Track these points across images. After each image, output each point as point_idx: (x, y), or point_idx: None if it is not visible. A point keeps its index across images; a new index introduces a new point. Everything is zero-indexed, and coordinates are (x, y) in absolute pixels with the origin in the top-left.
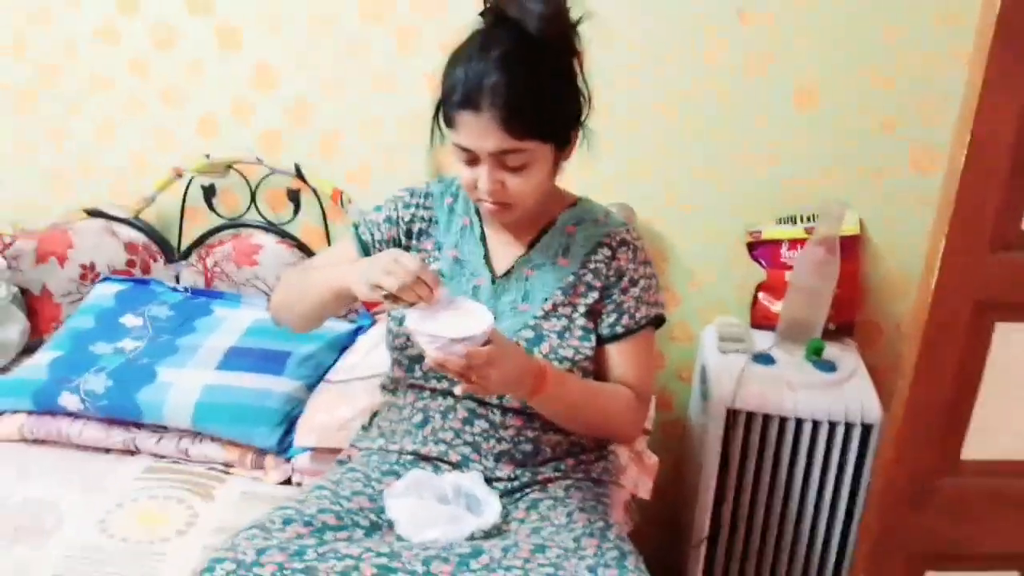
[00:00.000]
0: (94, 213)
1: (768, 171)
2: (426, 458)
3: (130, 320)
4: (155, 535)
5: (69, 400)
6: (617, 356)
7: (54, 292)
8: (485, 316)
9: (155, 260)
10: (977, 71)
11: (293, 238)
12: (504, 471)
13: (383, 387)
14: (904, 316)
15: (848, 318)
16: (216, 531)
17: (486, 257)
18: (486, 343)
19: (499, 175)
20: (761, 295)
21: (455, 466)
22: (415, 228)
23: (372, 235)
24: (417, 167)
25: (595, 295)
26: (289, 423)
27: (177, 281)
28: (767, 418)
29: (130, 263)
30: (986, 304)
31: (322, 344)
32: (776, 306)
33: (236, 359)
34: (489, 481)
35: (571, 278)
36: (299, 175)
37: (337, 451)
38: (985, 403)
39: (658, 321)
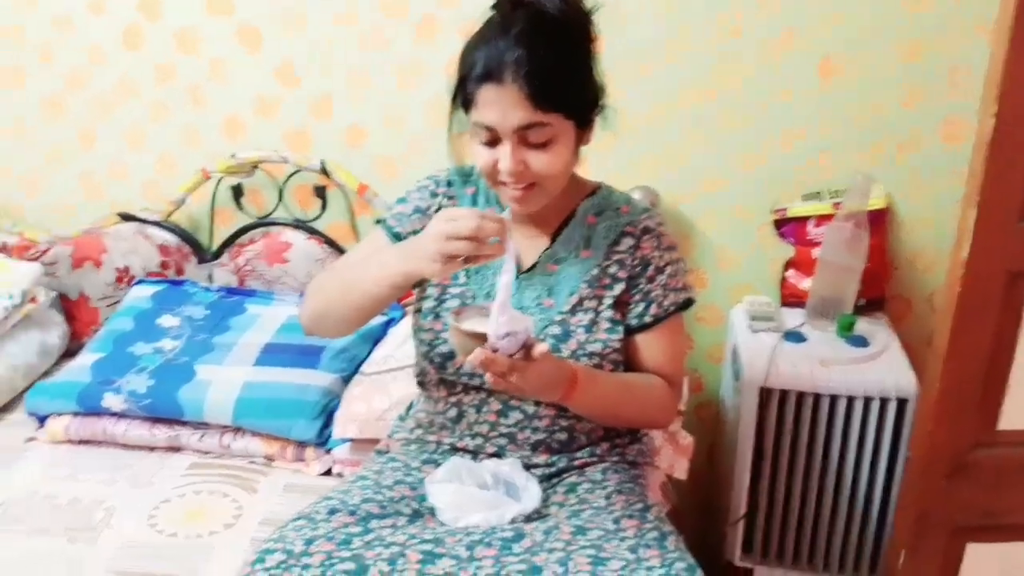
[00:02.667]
0: (126, 217)
1: (793, 146)
2: (464, 450)
3: (167, 320)
4: (203, 529)
5: (113, 401)
6: (647, 345)
7: (91, 296)
8: (523, 317)
9: (188, 261)
10: (1002, 41)
11: (321, 234)
12: (541, 458)
13: (418, 381)
14: (934, 289)
15: (878, 293)
16: (262, 523)
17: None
18: (525, 347)
19: (522, 153)
20: (789, 273)
21: (493, 455)
22: None
23: (402, 226)
24: (441, 158)
25: (621, 286)
26: (327, 415)
27: (210, 281)
28: (801, 396)
29: (164, 265)
30: (1018, 275)
31: (355, 338)
32: (805, 283)
33: (272, 355)
34: (527, 467)
35: (595, 270)
36: (324, 171)
37: (376, 441)
38: (1020, 373)
39: (686, 304)
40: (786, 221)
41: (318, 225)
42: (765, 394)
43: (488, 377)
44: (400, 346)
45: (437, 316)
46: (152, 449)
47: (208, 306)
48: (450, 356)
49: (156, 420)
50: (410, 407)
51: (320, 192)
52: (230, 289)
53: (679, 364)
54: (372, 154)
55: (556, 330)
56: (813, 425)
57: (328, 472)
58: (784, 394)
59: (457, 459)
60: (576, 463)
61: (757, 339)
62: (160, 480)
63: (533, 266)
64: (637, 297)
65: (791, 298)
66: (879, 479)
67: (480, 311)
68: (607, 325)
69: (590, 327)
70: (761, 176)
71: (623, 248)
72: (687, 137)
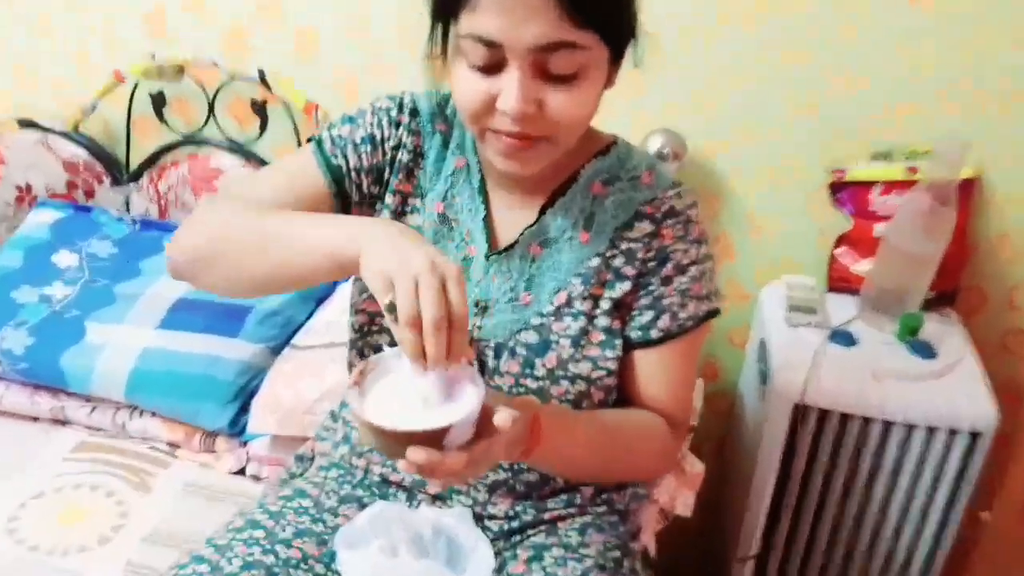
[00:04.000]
0: (27, 124)
1: (859, 94)
2: (399, 485)
3: (64, 258)
4: (72, 542)
5: None
6: (649, 368)
7: None
8: (467, 373)
9: (100, 182)
10: None
11: (259, 159)
12: (500, 506)
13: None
14: (1018, 283)
15: (950, 284)
16: (145, 540)
17: (486, 220)
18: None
19: (536, 88)
20: (841, 250)
21: (436, 497)
22: (399, 159)
23: (345, 159)
24: (414, 77)
25: (626, 285)
26: (245, 398)
27: (127, 209)
28: (845, 418)
29: (71, 185)
30: None
31: (293, 296)
32: (861, 266)
33: (183, 314)
34: (480, 519)
35: (595, 261)
36: (264, 82)
37: (301, 440)
38: None
39: (708, 317)
40: (844, 185)
41: (256, 149)
42: (800, 412)
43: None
44: (347, 312)
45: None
46: (36, 419)
47: (117, 242)
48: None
49: (39, 386)
50: (344, 402)
51: (259, 108)
52: (147, 221)
53: (689, 398)
54: (326, 65)
55: (531, 338)
56: (857, 455)
57: (242, 471)
58: (824, 414)
59: (384, 505)
60: (546, 516)
61: (794, 336)
62: (37, 463)
63: (511, 246)
64: (644, 301)
65: (840, 282)
66: (930, 526)
67: (398, 365)
68: (601, 337)
69: (579, 338)
70: (816, 125)
71: (636, 234)
72: (725, 72)
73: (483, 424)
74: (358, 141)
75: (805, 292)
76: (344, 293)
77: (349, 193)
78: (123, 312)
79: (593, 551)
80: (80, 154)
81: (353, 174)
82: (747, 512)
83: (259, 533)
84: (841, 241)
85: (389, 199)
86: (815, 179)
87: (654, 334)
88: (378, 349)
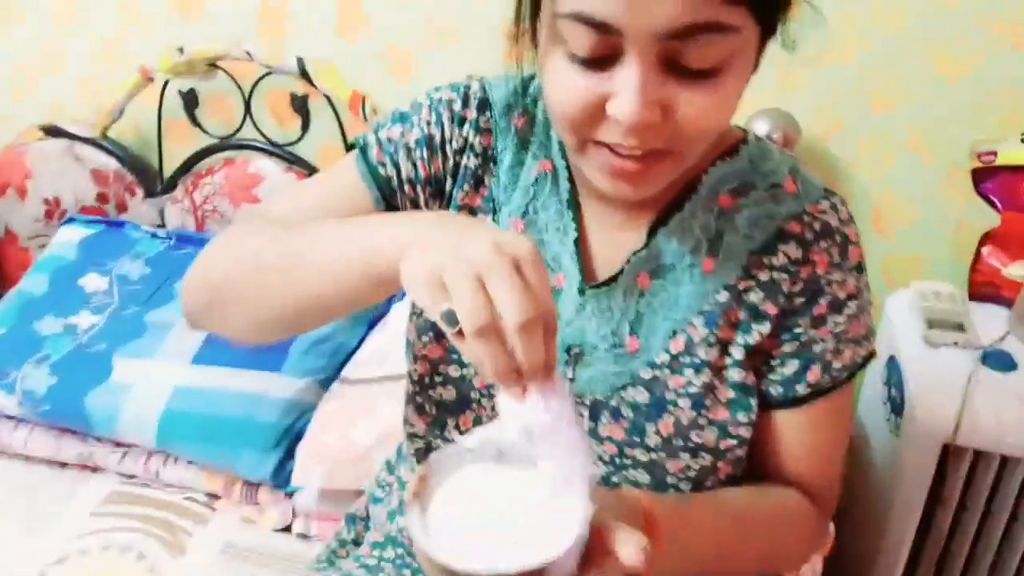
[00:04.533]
0: (53, 131)
1: (1018, 56)
2: None
3: (92, 282)
4: None
5: (5, 401)
6: (790, 432)
7: (19, 235)
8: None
9: (132, 194)
10: None
11: (304, 163)
12: None
13: (406, 432)
14: None
15: None
16: None
17: (579, 242)
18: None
19: (663, 87)
20: (987, 250)
21: None
22: (464, 165)
23: (396, 167)
24: (483, 57)
25: (764, 327)
26: (290, 442)
27: (162, 222)
28: (1006, 462)
29: (102, 197)
30: None
31: (341, 320)
32: (1012, 270)
33: (220, 346)
34: None
35: (723, 295)
36: (304, 75)
37: (353, 494)
38: None
39: (864, 363)
40: (992, 172)
41: (299, 151)
42: (948, 452)
43: None
44: (403, 338)
45: (442, 336)
46: (64, 466)
47: (150, 260)
48: (460, 409)
49: (65, 429)
50: (400, 449)
51: (300, 104)
52: (183, 236)
53: (836, 466)
54: (374, 43)
55: (640, 396)
56: (1017, 504)
57: (288, 528)
58: (979, 456)
59: None
60: None
61: (935, 358)
62: (64, 517)
63: (614, 277)
64: (788, 348)
65: (985, 288)
66: None
67: (469, 460)
68: (731, 395)
69: (702, 397)
70: (960, 96)
71: (779, 260)
72: (842, 28)
73: (593, 548)
74: (412, 145)
75: (946, 304)
76: (401, 314)
77: (402, 209)
78: (154, 345)
79: None
80: (110, 163)
81: (406, 186)
82: (877, 567)
83: None
84: (987, 239)
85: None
86: (954, 162)
87: (800, 390)
88: (441, 406)
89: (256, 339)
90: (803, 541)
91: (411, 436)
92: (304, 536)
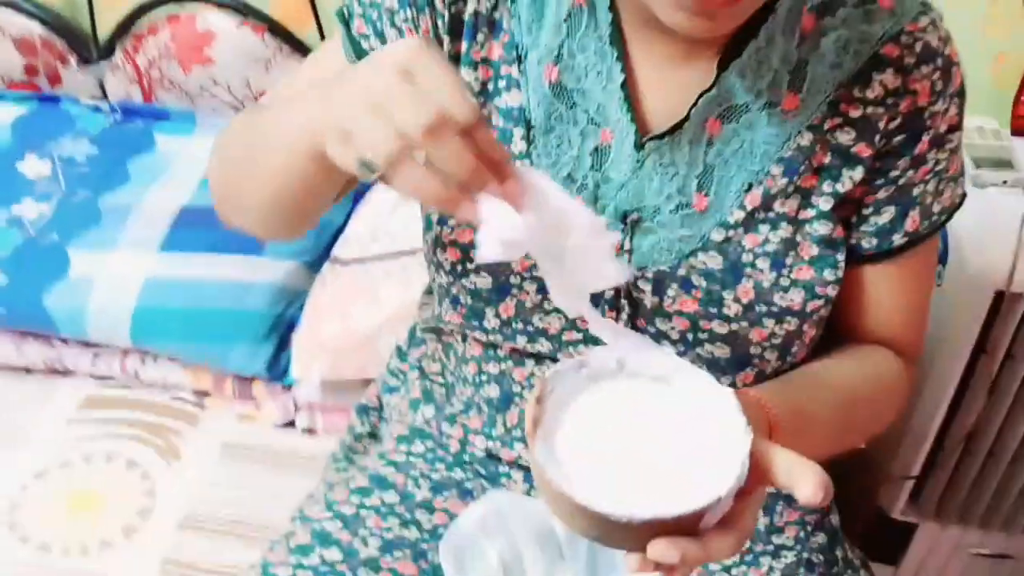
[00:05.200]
0: None
1: None
2: (512, 463)
3: (33, 166)
4: (91, 537)
5: None
6: (881, 287)
7: None
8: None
9: (64, 63)
10: None
11: (263, 17)
12: None
13: (426, 325)
14: None
15: None
16: (182, 527)
17: (625, 88)
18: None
19: None
20: None
21: None
22: (467, 11)
23: (381, 37)
24: None
25: (856, 172)
26: (283, 331)
27: (102, 94)
28: None
29: (30, 70)
30: None
31: None
32: None
33: (191, 230)
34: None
35: (806, 137)
36: None
37: (360, 383)
38: None
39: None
40: None
41: (258, 1)
42: (1001, 300)
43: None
44: (397, 210)
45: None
46: (28, 371)
47: (96, 139)
48: (499, 297)
49: (27, 332)
50: (413, 332)
51: None
52: (129, 107)
53: (925, 319)
54: None
55: (713, 261)
56: None
57: (291, 424)
58: None
59: (496, 495)
60: None
61: (984, 200)
62: (37, 428)
63: (678, 125)
64: (884, 195)
65: None
66: None
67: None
68: (815, 251)
69: (782, 256)
70: None
71: (874, 92)
72: None
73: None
74: (395, 7)
75: (989, 139)
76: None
77: None
78: (113, 233)
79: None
80: (34, 28)
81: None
82: (912, 421)
83: (333, 554)
84: None
85: (465, 75)
86: None
87: (897, 240)
88: (476, 295)
89: (268, 234)
90: (897, 407)
91: (435, 328)
92: (310, 431)
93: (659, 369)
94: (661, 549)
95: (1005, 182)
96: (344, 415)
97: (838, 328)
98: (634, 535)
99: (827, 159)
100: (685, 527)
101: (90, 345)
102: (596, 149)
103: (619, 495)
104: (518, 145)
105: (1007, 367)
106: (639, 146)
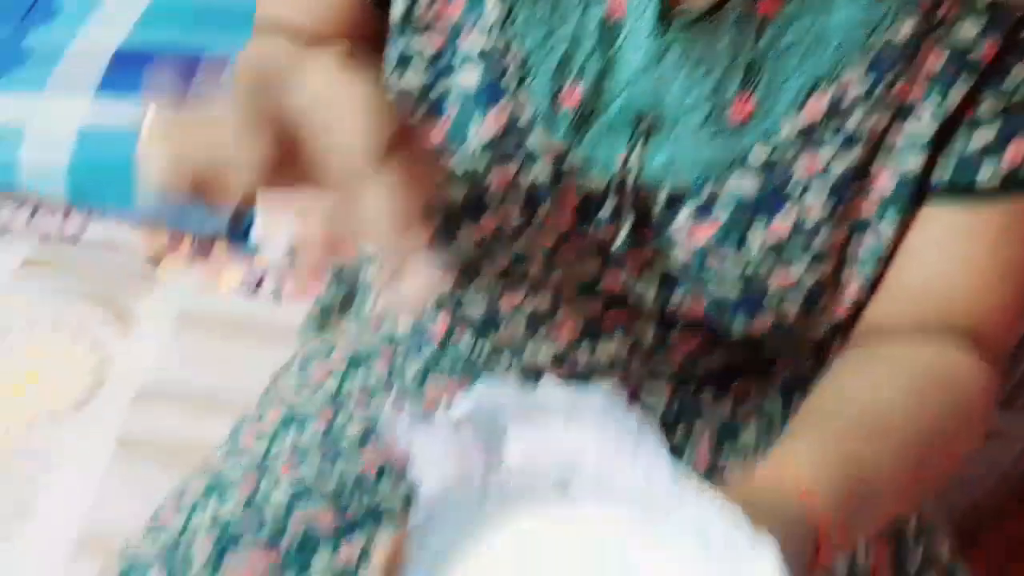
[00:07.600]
0: None
1: None
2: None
3: None
4: (37, 409)
5: None
6: (962, 246)
7: None
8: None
9: None
10: None
11: None
12: (661, 392)
13: None
14: None
15: None
16: (140, 398)
17: None
18: None
19: None
20: None
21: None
22: None
23: None
24: None
25: (963, 85)
26: None
27: None
28: None
29: None
30: None
31: None
32: None
33: (130, 71)
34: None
35: (906, 27)
36: None
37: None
38: None
39: None
40: None
41: None
42: None
43: None
44: None
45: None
46: None
47: None
48: (475, 215)
49: None
50: None
51: None
52: None
53: (1019, 299)
54: None
55: (747, 185)
56: None
57: (259, 283)
58: None
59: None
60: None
61: None
62: None
63: (717, 6)
64: (987, 109)
65: None
66: None
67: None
68: (891, 185)
69: (844, 190)
70: None
71: None
72: None
73: None
74: None
75: None
76: None
77: None
78: (42, 75)
79: None
80: None
81: None
82: None
83: (308, 438)
84: None
85: None
86: None
87: (985, 176)
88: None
89: None
90: (980, 421)
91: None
92: (276, 296)
93: (633, 491)
94: None
95: None
96: (319, 278)
97: (890, 309)
98: None
99: (936, 60)
100: None
101: (27, 203)
102: (603, 24)
103: None
104: (491, 12)
105: None
106: (663, 27)
